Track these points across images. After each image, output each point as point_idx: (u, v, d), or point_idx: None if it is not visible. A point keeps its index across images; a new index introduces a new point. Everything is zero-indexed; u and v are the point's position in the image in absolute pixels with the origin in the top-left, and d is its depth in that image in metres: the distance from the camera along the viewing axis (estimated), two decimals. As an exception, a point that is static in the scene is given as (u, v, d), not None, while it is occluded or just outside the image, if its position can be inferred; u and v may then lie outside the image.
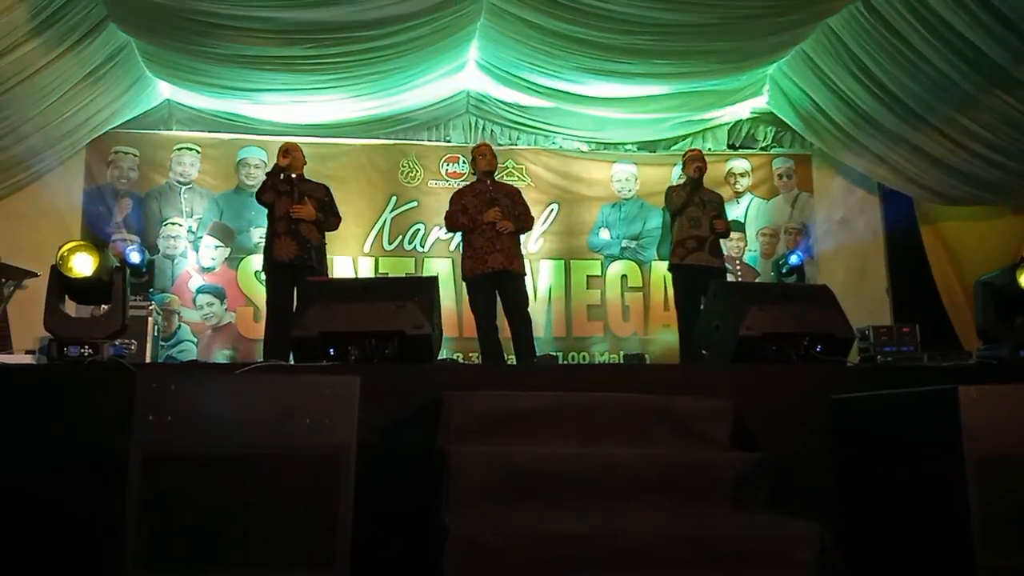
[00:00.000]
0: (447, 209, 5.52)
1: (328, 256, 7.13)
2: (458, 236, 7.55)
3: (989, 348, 3.74)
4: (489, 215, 5.24)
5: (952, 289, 7.50)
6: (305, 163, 5.47)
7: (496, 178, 5.68)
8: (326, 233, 5.43)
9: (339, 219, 5.50)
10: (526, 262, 5.55)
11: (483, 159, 5.48)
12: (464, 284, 5.46)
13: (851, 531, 2.60)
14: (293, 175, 5.32)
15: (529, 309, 5.38)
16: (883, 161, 7.35)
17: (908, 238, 7.85)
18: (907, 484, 2.32)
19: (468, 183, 5.75)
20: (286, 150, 5.37)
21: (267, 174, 5.38)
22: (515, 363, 5.31)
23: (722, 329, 3.76)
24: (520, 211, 5.45)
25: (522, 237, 5.57)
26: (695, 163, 5.72)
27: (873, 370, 4.33)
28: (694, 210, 5.61)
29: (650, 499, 2.62)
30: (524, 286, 5.40)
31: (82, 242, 3.14)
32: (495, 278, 5.22)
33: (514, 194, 5.55)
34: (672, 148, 8.12)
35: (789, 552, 2.30)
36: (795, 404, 3.05)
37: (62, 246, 3.09)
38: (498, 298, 5.28)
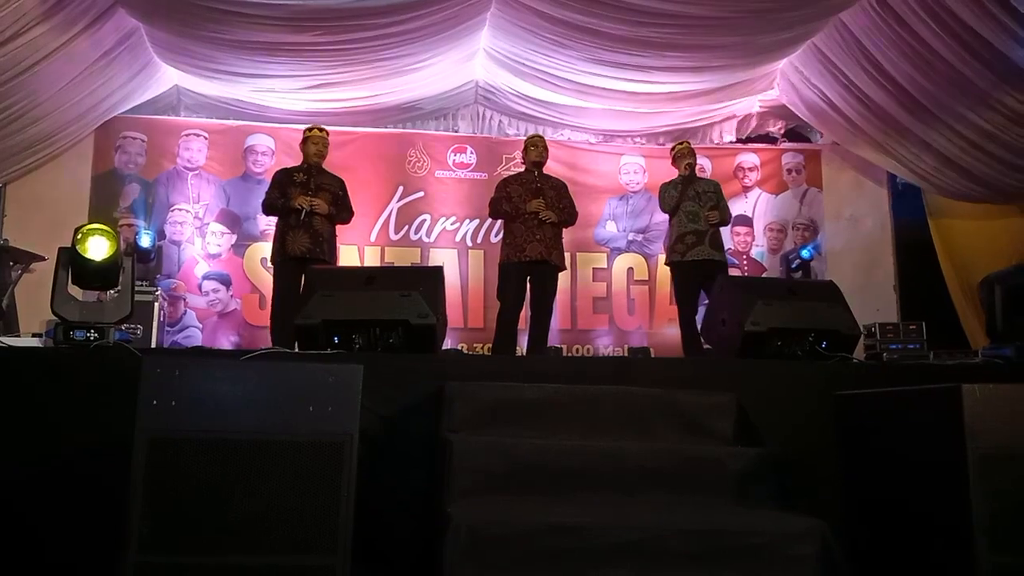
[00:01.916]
0: (492, 196, 5.52)
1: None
2: (467, 227, 7.65)
3: (995, 347, 3.72)
4: (532, 205, 5.24)
5: (960, 287, 7.47)
6: (327, 154, 5.43)
7: (512, 169, 5.66)
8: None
9: (352, 214, 5.46)
10: (566, 256, 5.54)
11: (535, 150, 5.48)
12: (498, 270, 5.44)
13: (855, 527, 2.60)
14: (312, 166, 5.31)
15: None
16: (893, 156, 7.32)
17: (917, 235, 7.83)
18: (911, 481, 2.32)
19: (516, 172, 5.75)
20: (309, 138, 5.36)
21: (275, 179, 5.33)
22: (523, 354, 5.32)
23: (727, 324, 3.76)
24: (565, 204, 5.45)
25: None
26: (685, 159, 5.71)
27: (878, 367, 4.33)
28: (690, 204, 5.57)
29: (653, 492, 2.62)
30: (556, 280, 5.39)
31: (101, 226, 3.14)
32: (531, 267, 5.22)
33: (560, 187, 5.54)
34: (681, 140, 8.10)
35: (790, 547, 2.30)
36: (799, 400, 3.05)
37: (80, 227, 3.09)
38: (528, 290, 5.28)
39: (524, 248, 5.19)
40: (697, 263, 5.44)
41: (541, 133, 7.94)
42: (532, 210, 5.23)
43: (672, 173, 5.91)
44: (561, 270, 5.41)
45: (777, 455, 2.77)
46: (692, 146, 5.96)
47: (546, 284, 5.27)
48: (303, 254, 5.05)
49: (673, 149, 5.94)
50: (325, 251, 5.16)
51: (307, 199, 5.10)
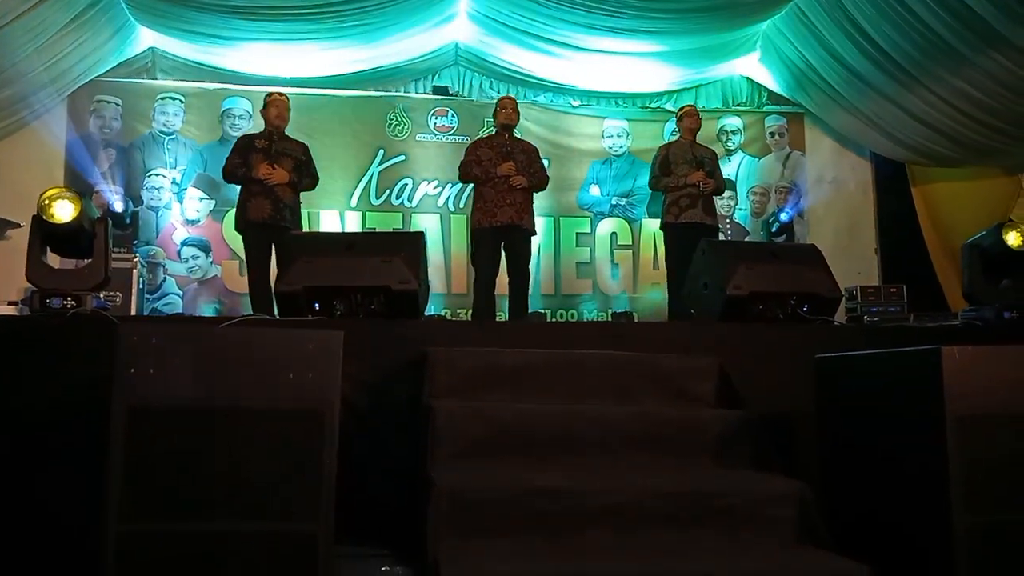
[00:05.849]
0: (462, 159, 5.46)
1: (315, 210, 7.08)
2: (449, 191, 7.59)
3: (974, 309, 3.75)
4: (503, 168, 5.19)
5: (941, 250, 7.52)
6: (288, 118, 5.34)
7: (494, 132, 5.58)
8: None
9: (316, 179, 5.40)
10: (536, 221, 5.51)
11: (503, 112, 5.43)
12: (470, 235, 5.39)
13: (834, 488, 2.63)
14: (274, 131, 5.23)
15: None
16: (873, 122, 7.32)
17: (898, 199, 7.86)
18: (889, 443, 2.34)
19: (486, 135, 5.67)
20: (269, 102, 5.30)
21: (236, 145, 5.26)
22: (505, 319, 5.32)
23: (710, 288, 3.76)
24: (535, 169, 5.41)
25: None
26: (692, 118, 5.75)
27: (859, 330, 4.36)
28: (687, 167, 5.58)
29: (634, 455, 2.64)
30: (530, 244, 5.37)
31: (63, 188, 3.09)
32: (503, 232, 5.19)
33: (531, 151, 5.50)
34: (665, 104, 8.05)
35: (769, 509, 2.34)
36: (781, 363, 3.06)
37: (43, 193, 3.04)
38: (503, 254, 5.26)
39: (495, 213, 5.16)
40: (689, 226, 5.45)
41: (523, 95, 7.90)
42: (503, 174, 5.18)
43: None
44: (532, 235, 5.38)
45: (758, 418, 2.79)
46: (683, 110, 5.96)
47: (519, 249, 5.25)
48: (265, 220, 5.04)
49: (680, 110, 5.96)
50: (287, 218, 5.13)
51: (268, 168, 5.05)
